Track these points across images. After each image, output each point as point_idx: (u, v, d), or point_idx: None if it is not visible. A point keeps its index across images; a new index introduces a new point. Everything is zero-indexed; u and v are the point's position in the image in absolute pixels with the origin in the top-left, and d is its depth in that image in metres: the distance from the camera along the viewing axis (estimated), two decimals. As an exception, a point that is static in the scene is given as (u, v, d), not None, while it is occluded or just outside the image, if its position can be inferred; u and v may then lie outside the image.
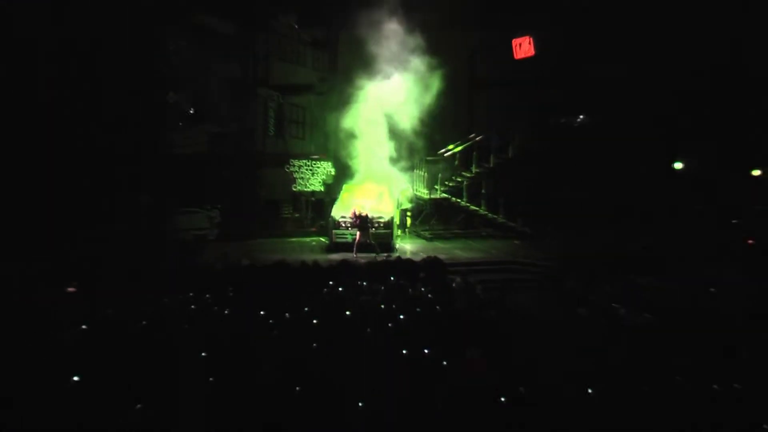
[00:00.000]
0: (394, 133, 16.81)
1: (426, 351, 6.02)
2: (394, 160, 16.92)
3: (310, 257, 12.42)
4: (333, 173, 17.84)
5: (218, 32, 15.88)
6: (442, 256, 12.28)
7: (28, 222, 11.43)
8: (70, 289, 8.97)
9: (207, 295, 8.71)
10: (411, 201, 17.28)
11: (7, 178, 11.48)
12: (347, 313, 7.78)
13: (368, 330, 6.91)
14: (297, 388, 5.01)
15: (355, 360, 5.82)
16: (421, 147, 17.15)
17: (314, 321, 7.35)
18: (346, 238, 13.85)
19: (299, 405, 4.79)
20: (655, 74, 15.30)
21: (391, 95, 16.57)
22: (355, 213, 13.84)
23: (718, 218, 14.78)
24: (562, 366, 5.78)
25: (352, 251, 13.29)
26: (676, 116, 15.32)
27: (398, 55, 16.38)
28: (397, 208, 16.07)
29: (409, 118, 16.56)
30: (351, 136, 16.55)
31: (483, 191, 17.14)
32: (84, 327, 6.85)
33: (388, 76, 16.56)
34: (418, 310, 7.95)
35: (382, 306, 8.23)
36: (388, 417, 4.59)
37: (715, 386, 5.26)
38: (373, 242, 13.54)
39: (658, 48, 15.11)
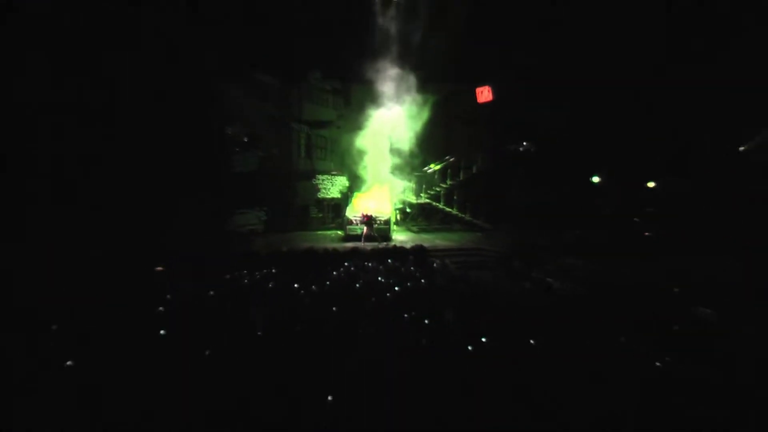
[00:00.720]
0: (392, 152, 16.87)
1: (413, 312, 6.06)
2: (392, 173, 16.95)
3: (330, 245, 12.44)
4: (347, 184, 17.85)
5: (265, 84, 15.96)
6: (425, 245, 12.30)
7: (136, 219, 11.50)
8: (159, 269, 8.98)
9: (257, 274, 8.75)
10: (403, 204, 17.29)
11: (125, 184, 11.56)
12: (357, 285, 7.83)
13: (372, 298, 6.95)
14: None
15: (363, 319, 5.86)
16: (411, 164, 17.20)
17: (333, 291, 7.39)
18: (356, 231, 13.85)
19: (323, 351, 4.81)
20: (578, 115, 15.31)
21: (390, 122, 16.65)
22: (363, 213, 13.88)
23: (623, 217, 14.83)
24: (511, 323, 5.81)
25: (360, 241, 13.31)
26: (594, 144, 15.34)
27: (395, 94, 16.48)
28: (394, 209, 16.11)
29: (403, 141, 16.69)
30: (360, 154, 16.60)
31: (455, 197, 17.17)
32: (168, 296, 6.89)
33: (389, 108, 16.64)
34: (408, 284, 7.99)
35: (382, 280, 8.27)
36: (388, 360, 4.62)
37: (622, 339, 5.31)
38: (375, 234, 13.57)
39: (579, 96, 15.15)
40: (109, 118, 11.25)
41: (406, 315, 5.99)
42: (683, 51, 13.29)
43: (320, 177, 17.61)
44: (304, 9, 14.84)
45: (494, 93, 17.08)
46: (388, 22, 16.14)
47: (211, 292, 7.21)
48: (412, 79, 16.27)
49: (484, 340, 5.03)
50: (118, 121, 11.41)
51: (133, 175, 11.68)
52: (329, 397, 3.84)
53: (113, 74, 11.15)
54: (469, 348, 4.85)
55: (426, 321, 5.74)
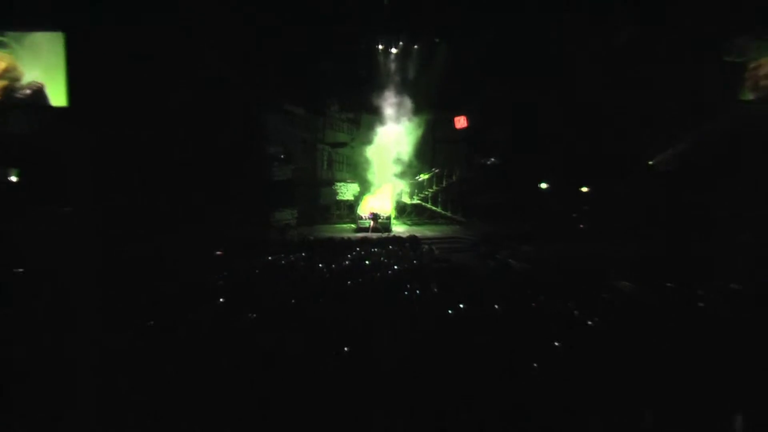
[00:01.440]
0: (393, 162, 16.79)
1: (408, 285, 6.06)
2: (393, 178, 16.91)
3: (346, 235, 12.48)
4: (358, 189, 17.76)
5: (297, 114, 16.03)
6: (417, 234, 12.32)
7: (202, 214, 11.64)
8: (219, 253, 9.01)
9: (291, 256, 8.77)
10: (401, 203, 17.27)
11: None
12: (366, 263, 7.84)
13: (378, 274, 6.96)
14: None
15: (369, 291, 5.87)
16: (407, 172, 17.13)
17: (348, 269, 7.40)
18: (365, 224, 13.92)
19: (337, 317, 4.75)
20: (532, 136, 15.18)
21: (392, 139, 16.63)
22: (370, 211, 13.91)
23: (564, 213, 14.75)
24: (480, 294, 5.79)
25: (368, 232, 13.34)
26: (543, 158, 15.24)
27: (395, 118, 16.53)
28: (394, 207, 16.12)
29: (402, 154, 16.67)
30: (368, 163, 16.64)
31: (439, 199, 17.16)
32: (226, 273, 6.91)
33: (390, 128, 16.61)
34: (405, 266, 7.99)
35: (385, 261, 8.29)
36: (389, 323, 4.56)
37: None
38: (380, 227, 13.61)
39: (533, 122, 15.01)
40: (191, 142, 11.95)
41: (405, 291, 5.98)
42: (615, 80, 13.03)
43: (338, 184, 17.62)
44: (325, 56, 14.99)
45: (468, 120, 17.01)
46: (390, 63, 16.29)
47: (257, 270, 7.27)
48: (408, 107, 16.35)
49: (461, 306, 5.00)
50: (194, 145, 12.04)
51: (202, 183, 11.92)
52: (345, 348, 3.75)
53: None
54: (450, 312, 4.83)
55: (417, 292, 5.74)
